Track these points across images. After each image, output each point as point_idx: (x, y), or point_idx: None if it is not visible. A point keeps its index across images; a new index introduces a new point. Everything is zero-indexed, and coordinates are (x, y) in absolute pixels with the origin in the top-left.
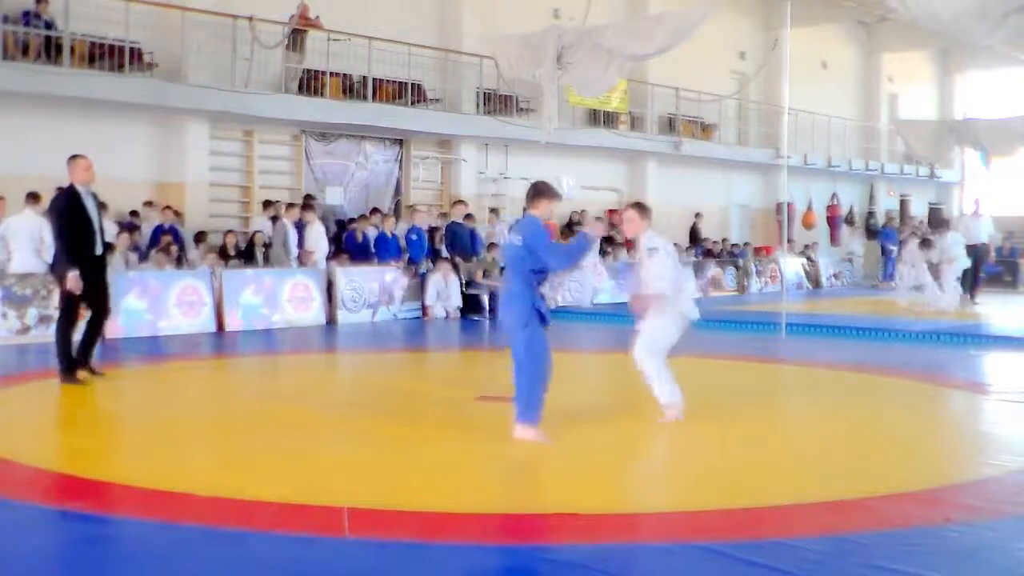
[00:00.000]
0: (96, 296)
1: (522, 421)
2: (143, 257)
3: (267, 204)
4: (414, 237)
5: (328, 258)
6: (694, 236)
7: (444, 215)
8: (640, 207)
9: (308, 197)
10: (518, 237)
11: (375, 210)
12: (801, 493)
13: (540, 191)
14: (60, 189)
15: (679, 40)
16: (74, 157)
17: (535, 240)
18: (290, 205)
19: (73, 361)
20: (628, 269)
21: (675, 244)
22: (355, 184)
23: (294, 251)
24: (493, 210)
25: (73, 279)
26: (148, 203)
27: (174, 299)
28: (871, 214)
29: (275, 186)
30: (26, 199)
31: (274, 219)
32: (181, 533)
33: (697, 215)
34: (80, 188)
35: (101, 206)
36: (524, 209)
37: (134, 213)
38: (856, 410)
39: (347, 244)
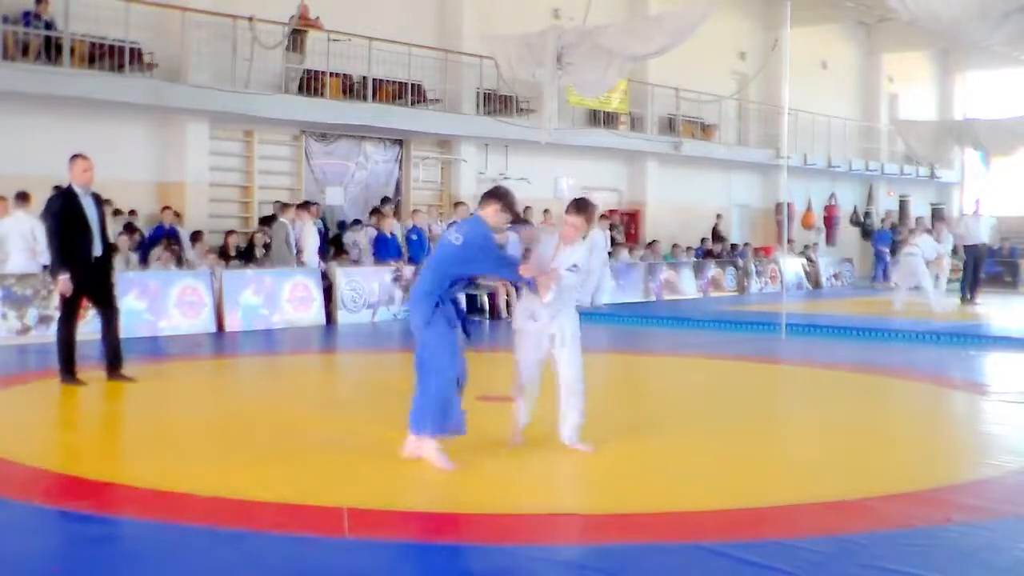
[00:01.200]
0: (100, 297)
1: (422, 432)
2: (143, 258)
3: (302, 205)
4: (414, 237)
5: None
6: (716, 236)
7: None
8: (587, 211)
9: (386, 200)
10: (458, 237)
11: (375, 210)
12: (801, 493)
13: (492, 194)
14: (57, 188)
15: (679, 40)
16: (75, 157)
17: (484, 244)
18: (302, 204)
19: (73, 361)
20: (628, 269)
21: (675, 244)
22: (355, 184)
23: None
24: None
25: (64, 282)
26: (106, 201)
27: (174, 299)
28: (867, 214)
29: (275, 186)
30: (15, 200)
31: (272, 218)
32: (181, 533)
33: (718, 216)
34: (78, 188)
35: (105, 202)
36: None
37: (132, 213)
38: (856, 410)
39: (376, 244)
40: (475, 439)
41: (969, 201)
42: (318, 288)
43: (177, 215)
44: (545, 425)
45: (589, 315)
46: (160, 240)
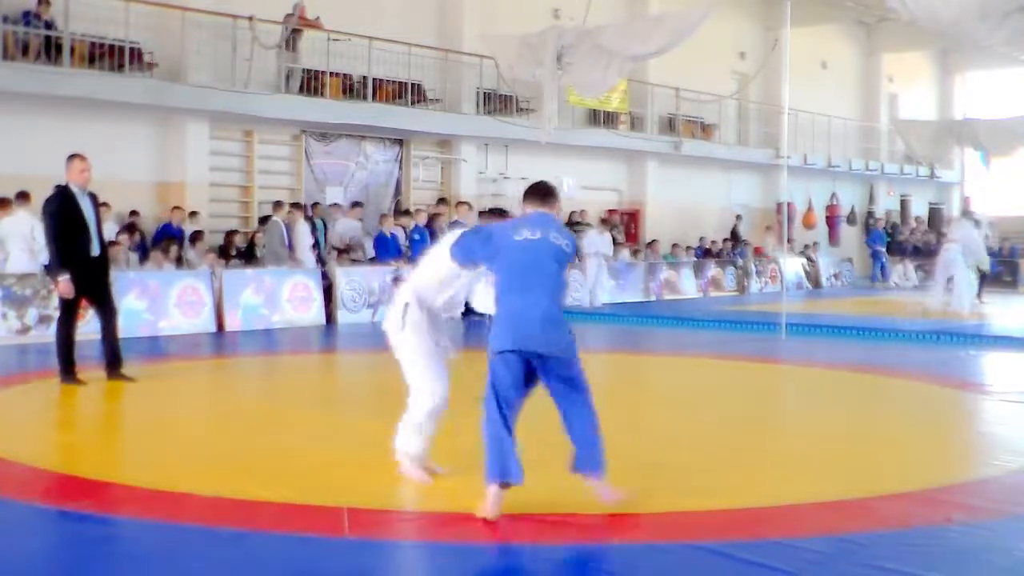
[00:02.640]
0: (97, 298)
1: (602, 473)
2: (144, 258)
3: (359, 205)
4: (416, 237)
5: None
6: (735, 237)
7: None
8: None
9: (441, 200)
10: (564, 240)
11: (404, 210)
12: (801, 493)
13: (551, 193)
14: (58, 187)
15: (679, 40)
16: (72, 157)
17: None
18: (294, 204)
19: (73, 361)
20: (628, 269)
21: (675, 244)
22: (355, 184)
23: (287, 250)
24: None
25: (64, 283)
26: (103, 204)
27: (174, 299)
28: (870, 214)
29: (275, 186)
30: (16, 199)
31: (265, 219)
32: (181, 533)
33: (738, 216)
34: (75, 188)
35: (102, 205)
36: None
37: (134, 213)
38: (856, 410)
39: (376, 244)
40: (474, 439)
41: (967, 201)
42: (318, 288)
43: (189, 214)
44: (542, 425)
45: (589, 315)
46: (162, 240)
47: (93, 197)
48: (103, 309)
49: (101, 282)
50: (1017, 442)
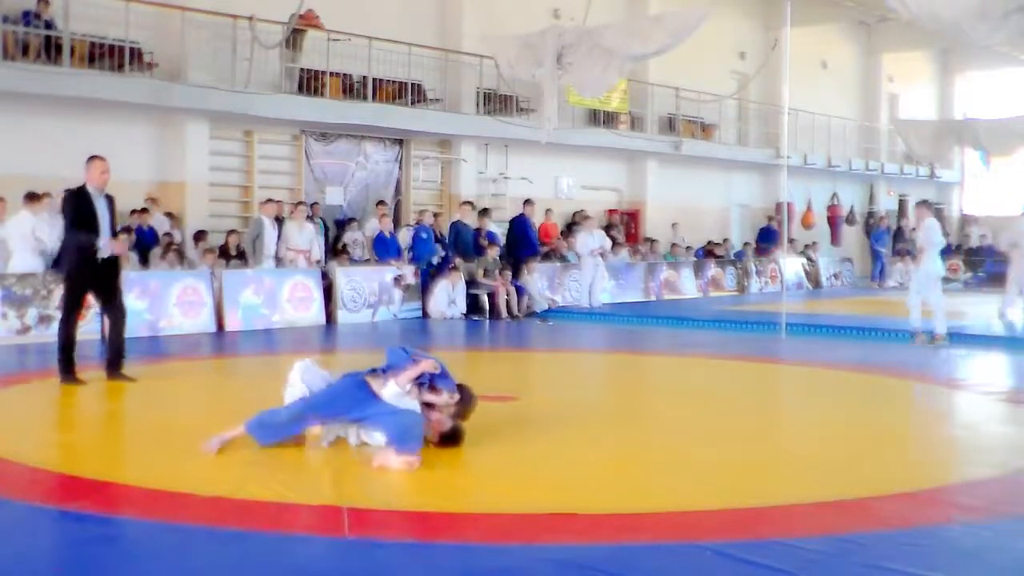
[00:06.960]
0: (107, 298)
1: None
2: (143, 259)
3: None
4: (424, 235)
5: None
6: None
7: (436, 215)
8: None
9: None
10: None
11: (381, 202)
12: (801, 493)
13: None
14: (68, 191)
15: (679, 40)
16: (92, 158)
17: None
18: (268, 201)
19: (73, 361)
20: (628, 269)
21: (675, 244)
22: (355, 184)
23: (271, 249)
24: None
25: (109, 242)
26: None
27: (174, 299)
28: (870, 214)
29: (275, 186)
30: (24, 200)
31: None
32: (181, 533)
33: (724, 241)
34: (92, 189)
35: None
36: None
37: (134, 212)
38: (856, 410)
39: (376, 244)
40: (474, 438)
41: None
42: (318, 288)
43: (170, 215)
44: (543, 425)
45: (588, 315)
46: (158, 240)
47: (110, 199)
48: (113, 309)
49: (111, 283)
50: (1017, 442)
